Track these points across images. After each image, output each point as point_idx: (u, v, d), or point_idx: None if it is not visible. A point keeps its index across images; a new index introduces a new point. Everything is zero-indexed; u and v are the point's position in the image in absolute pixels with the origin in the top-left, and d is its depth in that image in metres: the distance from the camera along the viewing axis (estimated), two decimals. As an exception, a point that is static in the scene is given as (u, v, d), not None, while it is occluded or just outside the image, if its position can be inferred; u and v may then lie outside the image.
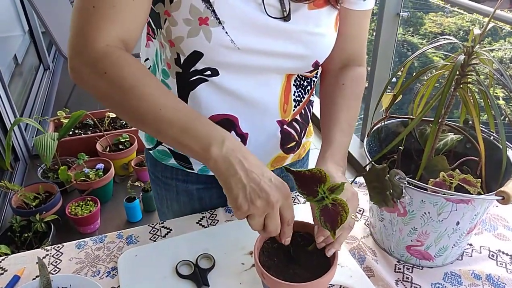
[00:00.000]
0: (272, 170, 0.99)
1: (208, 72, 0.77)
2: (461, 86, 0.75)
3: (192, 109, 0.69)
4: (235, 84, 0.79)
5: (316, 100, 0.97)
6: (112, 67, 0.65)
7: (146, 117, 0.65)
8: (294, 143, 0.93)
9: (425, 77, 0.81)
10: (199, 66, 0.76)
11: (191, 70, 0.77)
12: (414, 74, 0.80)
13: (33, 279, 0.80)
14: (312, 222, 0.73)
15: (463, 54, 0.73)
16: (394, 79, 0.88)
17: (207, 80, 0.78)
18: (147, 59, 0.88)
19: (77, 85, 0.69)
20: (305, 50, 0.79)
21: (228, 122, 0.83)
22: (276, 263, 0.69)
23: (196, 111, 0.69)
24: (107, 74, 0.64)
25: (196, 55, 0.75)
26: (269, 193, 0.63)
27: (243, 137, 0.85)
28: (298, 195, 1.02)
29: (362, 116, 2.76)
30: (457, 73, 0.73)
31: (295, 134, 0.92)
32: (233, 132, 0.84)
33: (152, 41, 0.84)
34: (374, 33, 2.42)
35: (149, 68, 0.88)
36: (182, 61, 0.77)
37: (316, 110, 0.93)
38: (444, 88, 0.69)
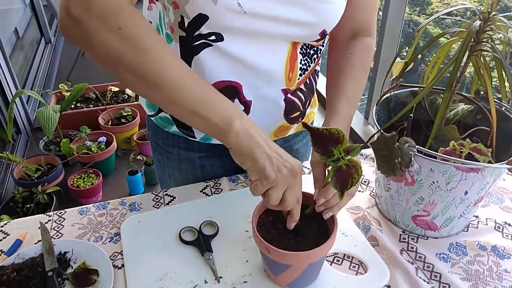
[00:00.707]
0: (274, 141, 0.98)
1: (213, 37, 0.75)
2: (475, 53, 0.72)
3: (207, 82, 0.67)
4: (240, 50, 0.77)
5: (321, 76, 0.95)
6: (128, 22, 0.59)
7: (162, 83, 0.61)
8: (298, 113, 0.92)
9: (430, 58, 0.79)
10: (204, 30, 0.74)
11: (195, 34, 0.75)
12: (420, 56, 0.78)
13: (35, 243, 0.80)
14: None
15: (478, 20, 0.71)
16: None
17: (211, 45, 0.76)
18: (150, 22, 0.86)
19: (68, 37, 0.60)
20: (313, 18, 0.76)
21: (232, 89, 0.81)
22: (276, 235, 0.69)
23: (212, 87, 0.67)
24: (122, 30, 0.58)
25: (201, 18, 0.72)
26: (292, 163, 0.64)
27: (247, 105, 0.84)
28: (303, 166, 1.00)
29: (367, 95, 2.73)
30: (472, 40, 0.71)
31: (299, 104, 0.90)
32: (236, 99, 0.82)
33: (155, 4, 0.81)
34: (381, 11, 2.36)
35: None
36: (186, 25, 0.74)
37: (320, 86, 0.91)
38: (458, 54, 0.67)
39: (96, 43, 0.59)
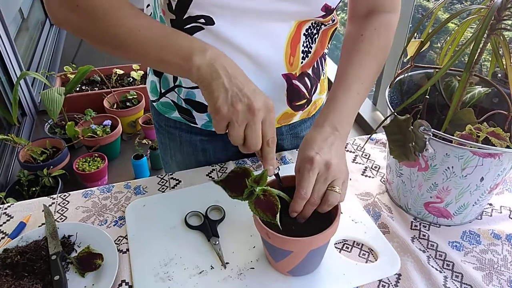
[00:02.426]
0: (278, 127, 0.94)
1: (202, 20, 0.70)
2: (495, 32, 0.69)
3: (169, 26, 0.65)
4: (233, 33, 0.72)
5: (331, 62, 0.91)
6: None
7: (126, 42, 0.63)
8: (305, 100, 0.87)
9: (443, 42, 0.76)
10: (193, 12, 0.69)
11: (185, 17, 0.71)
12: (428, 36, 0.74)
13: (39, 226, 0.78)
14: None
15: (500, -3, 0.67)
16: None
17: (203, 28, 0.72)
18: (148, 5, 0.83)
19: (55, 23, 0.66)
20: None
21: None
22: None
23: (174, 28, 0.66)
24: (79, 7, 0.62)
25: None
26: (251, 99, 0.60)
27: None
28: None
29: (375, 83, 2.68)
30: (492, 18, 0.67)
31: (305, 91, 0.85)
32: None
33: None
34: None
35: (149, 16, 0.83)
36: (174, 7, 0.70)
37: (330, 73, 0.86)
38: (478, 32, 0.64)
39: (61, 21, 0.65)
